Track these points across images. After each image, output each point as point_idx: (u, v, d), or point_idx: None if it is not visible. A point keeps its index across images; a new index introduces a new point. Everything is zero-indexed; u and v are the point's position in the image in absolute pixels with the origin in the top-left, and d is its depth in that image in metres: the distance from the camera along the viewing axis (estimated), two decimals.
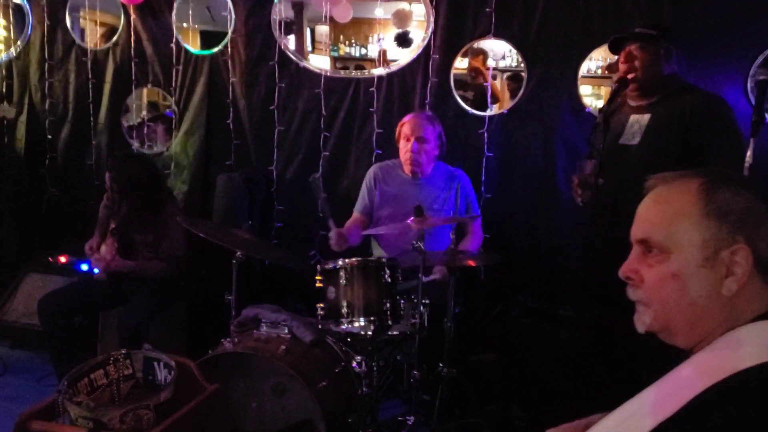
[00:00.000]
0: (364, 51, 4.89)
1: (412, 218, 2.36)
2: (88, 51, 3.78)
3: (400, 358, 2.58)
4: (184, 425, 1.80)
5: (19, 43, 3.93)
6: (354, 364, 2.42)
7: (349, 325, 2.24)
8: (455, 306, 2.43)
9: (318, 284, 2.32)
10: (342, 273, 2.26)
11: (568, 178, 3.00)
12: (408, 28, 3.79)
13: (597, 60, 3.76)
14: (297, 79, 3.41)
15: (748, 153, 1.90)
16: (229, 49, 3.48)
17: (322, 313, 2.30)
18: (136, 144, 3.81)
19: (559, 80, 2.99)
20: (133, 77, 3.71)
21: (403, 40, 3.98)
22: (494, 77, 3.74)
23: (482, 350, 2.93)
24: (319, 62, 4.06)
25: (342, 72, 3.50)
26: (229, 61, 3.49)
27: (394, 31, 3.95)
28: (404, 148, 2.86)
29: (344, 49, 4.91)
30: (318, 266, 2.35)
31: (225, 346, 2.34)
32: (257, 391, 2.48)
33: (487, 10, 3.01)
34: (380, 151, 3.28)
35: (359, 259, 2.30)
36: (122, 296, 2.90)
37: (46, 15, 3.82)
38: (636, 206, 1.03)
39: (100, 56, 3.78)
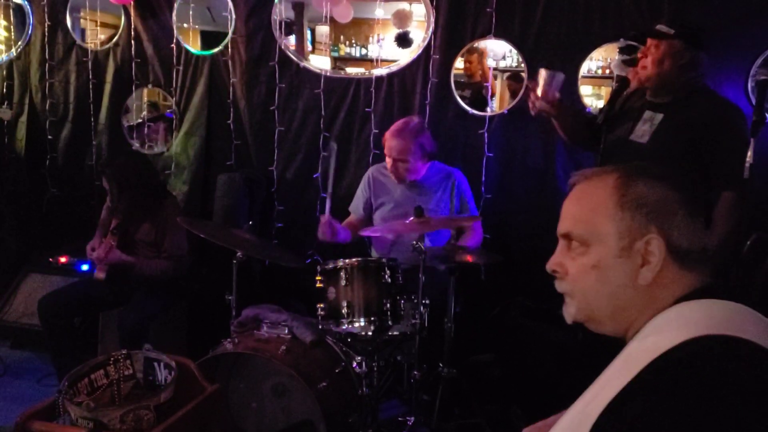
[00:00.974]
0: (364, 51, 4.89)
1: (411, 218, 2.36)
2: (89, 51, 3.78)
3: (400, 359, 2.58)
4: (184, 425, 1.80)
5: (19, 43, 3.93)
6: (354, 364, 2.42)
7: (350, 326, 2.25)
8: (455, 306, 2.43)
9: (318, 284, 2.33)
10: (342, 273, 2.26)
11: (569, 178, 3.00)
12: (408, 29, 3.78)
13: (597, 60, 3.76)
14: (297, 80, 3.41)
15: (749, 153, 1.90)
16: (229, 49, 3.48)
17: (322, 313, 2.30)
18: (136, 144, 3.81)
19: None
20: (134, 78, 3.71)
21: (403, 41, 3.97)
22: (494, 77, 3.74)
23: (482, 350, 2.93)
24: (320, 62, 4.06)
25: (342, 72, 3.49)
26: (230, 62, 3.49)
27: (394, 31, 3.94)
28: (388, 162, 2.82)
29: (344, 50, 4.91)
30: (318, 266, 2.35)
31: (225, 347, 2.35)
32: (257, 392, 2.48)
33: (488, 10, 3.01)
34: (378, 152, 3.28)
35: (359, 259, 2.31)
36: (122, 296, 2.90)
37: (46, 15, 3.82)
38: None
39: (101, 57, 3.78)
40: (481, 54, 3.61)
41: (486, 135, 3.11)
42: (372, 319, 2.25)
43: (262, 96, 3.47)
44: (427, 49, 3.16)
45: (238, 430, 2.50)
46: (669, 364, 0.80)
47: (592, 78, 3.81)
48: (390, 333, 2.33)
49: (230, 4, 3.42)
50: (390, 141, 2.77)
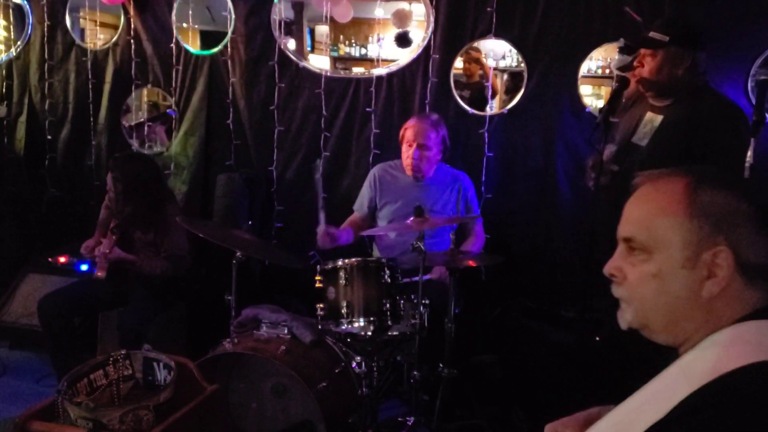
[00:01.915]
0: (363, 51, 4.89)
1: (411, 218, 2.36)
2: (88, 51, 3.78)
3: (400, 359, 2.58)
4: (183, 426, 1.79)
5: (19, 43, 3.92)
6: (354, 364, 2.42)
7: (349, 326, 2.24)
8: (456, 306, 2.42)
9: (318, 284, 2.32)
10: (342, 273, 2.26)
11: (569, 178, 3.01)
12: (408, 28, 3.78)
13: (597, 60, 3.76)
14: (297, 80, 3.41)
15: (749, 153, 1.90)
16: (229, 49, 3.48)
17: (321, 313, 2.30)
18: (135, 144, 3.81)
19: (560, 80, 2.99)
20: (133, 77, 3.71)
21: (403, 40, 3.98)
22: (494, 77, 3.74)
23: (483, 351, 2.93)
24: (319, 62, 4.06)
25: (342, 72, 3.49)
26: (229, 62, 3.49)
27: (394, 31, 3.94)
28: (406, 153, 2.85)
29: (344, 49, 4.91)
30: (318, 266, 2.35)
31: (225, 347, 2.34)
32: (257, 392, 2.47)
33: (488, 9, 3.01)
34: (378, 152, 3.28)
35: (359, 259, 2.30)
36: (122, 297, 2.90)
37: (46, 15, 3.82)
38: None
39: (100, 56, 3.77)
40: (479, 53, 3.62)
41: (486, 135, 3.11)
42: (372, 319, 2.24)
43: (261, 96, 3.47)
44: (426, 49, 3.15)
45: (237, 431, 2.50)
46: (741, 383, 0.78)
47: (592, 78, 3.81)
48: (390, 333, 2.33)
49: (230, 4, 3.42)
50: (414, 127, 2.81)
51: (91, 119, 3.84)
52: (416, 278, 2.34)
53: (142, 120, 3.81)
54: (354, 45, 4.92)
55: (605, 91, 3.90)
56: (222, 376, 2.45)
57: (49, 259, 3.49)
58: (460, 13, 3.08)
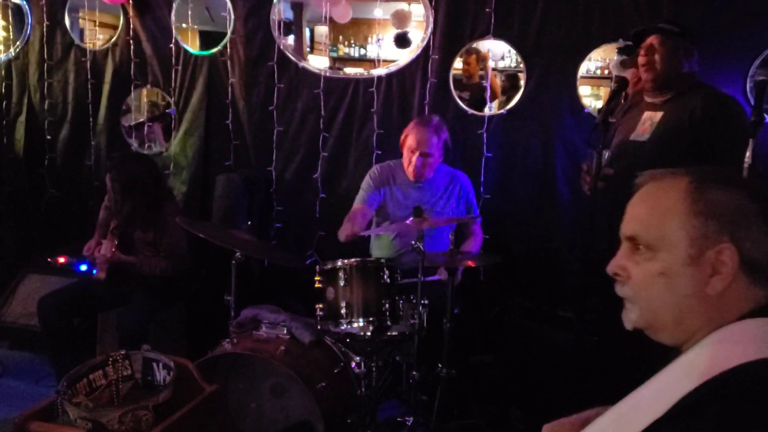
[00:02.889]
0: (363, 51, 4.89)
1: (410, 219, 2.36)
2: (87, 51, 3.78)
3: (399, 359, 2.58)
4: (183, 426, 1.80)
5: (18, 43, 3.92)
6: (353, 364, 2.42)
7: (348, 326, 2.24)
8: (454, 307, 2.43)
9: (317, 285, 2.33)
10: (341, 273, 2.26)
11: (568, 179, 3.01)
12: (407, 29, 3.78)
13: (596, 60, 3.76)
14: (296, 80, 3.41)
15: (747, 153, 1.90)
16: (228, 49, 3.48)
17: (321, 313, 2.30)
18: (135, 144, 3.81)
19: (559, 81, 2.99)
20: (133, 78, 3.71)
21: (402, 41, 3.98)
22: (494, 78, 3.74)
23: (481, 351, 2.93)
24: (319, 63, 4.06)
25: (341, 72, 3.49)
26: (228, 62, 3.49)
27: (393, 31, 3.94)
28: (408, 158, 2.82)
29: (343, 50, 4.91)
30: (317, 267, 2.35)
31: (224, 347, 2.34)
32: (256, 392, 2.48)
33: (487, 10, 3.01)
34: (379, 152, 3.28)
35: (358, 259, 2.30)
36: (121, 297, 2.90)
37: (45, 15, 3.82)
38: None
39: (99, 57, 3.78)
40: (482, 56, 3.61)
41: (485, 135, 3.11)
42: (371, 319, 2.25)
43: (260, 96, 3.47)
44: (426, 49, 3.16)
45: (236, 431, 2.50)
46: (742, 380, 0.79)
47: (591, 78, 3.81)
48: (389, 333, 2.33)
49: (229, 4, 3.42)
50: (417, 135, 2.76)
51: (91, 119, 3.84)
52: (420, 279, 2.34)
53: (142, 120, 3.81)
54: (353, 45, 4.92)
55: (604, 91, 3.91)
56: (221, 377, 2.45)
57: (49, 260, 3.48)
58: (459, 13, 3.08)
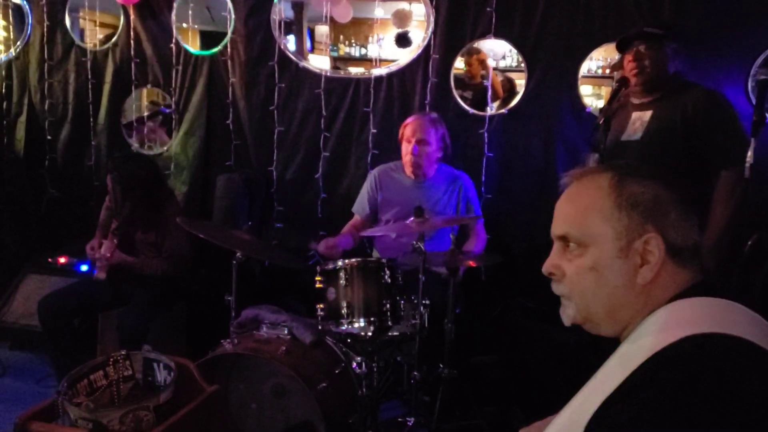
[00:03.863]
0: (363, 51, 4.88)
1: (411, 219, 2.36)
2: (88, 51, 3.77)
3: (400, 359, 2.58)
4: (183, 426, 1.79)
5: (18, 43, 3.92)
6: (354, 365, 2.42)
7: (349, 326, 2.24)
8: (455, 307, 2.42)
9: (318, 285, 2.32)
10: (342, 274, 2.26)
11: None
12: (408, 28, 3.78)
13: (597, 60, 3.76)
14: (297, 80, 3.41)
15: (749, 153, 1.91)
16: (228, 49, 3.48)
17: (321, 314, 2.30)
18: (135, 144, 3.81)
19: (560, 80, 2.99)
20: (133, 78, 3.71)
21: (402, 40, 3.97)
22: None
23: (483, 351, 2.93)
24: (319, 62, 4.05)
25: (342, 72, 3.49)
26: (229, 62, 3.48)
27: (393, 31, 3.94)
28: (405, 150, 2.85)
29: (344, 49, 4.90)
30: (318, 267, 2.35)
31: (225, 347, 2.34)
32: (257, 393, 2.47)
33: (488, 9, 3.01)
34: (377, 152, 3.28)
35: (359, 259, 2.30)
36: (122, 297, 2.90)
37: (45, 15, 3.81)
38: None
39: (100, 57, 3.77)
40: (481, 54, 3.61)
41: (486, 135, 3.11)
42: (372, 319, 2.24)
43: (261, 96, 3.47)
44: (426, 49, 3.15)
45: None
46: (664, 363, 0.81)
47: (592, 78, 3.81)
48: (390, 333, 2.33)
49: (229, 4, 3.42)
50: (413, 124, 2.83)
51: (91, 119, 3.83)
52: (420, 278, 2.34)
53: (142, 120, 3.81)
54: (354, 45, 4.91)
55: (605, 91, 3.90)
56: (222, 377, 2.45)
57: (49, 260, 3.49)
58: (459, 13, 3.08)
